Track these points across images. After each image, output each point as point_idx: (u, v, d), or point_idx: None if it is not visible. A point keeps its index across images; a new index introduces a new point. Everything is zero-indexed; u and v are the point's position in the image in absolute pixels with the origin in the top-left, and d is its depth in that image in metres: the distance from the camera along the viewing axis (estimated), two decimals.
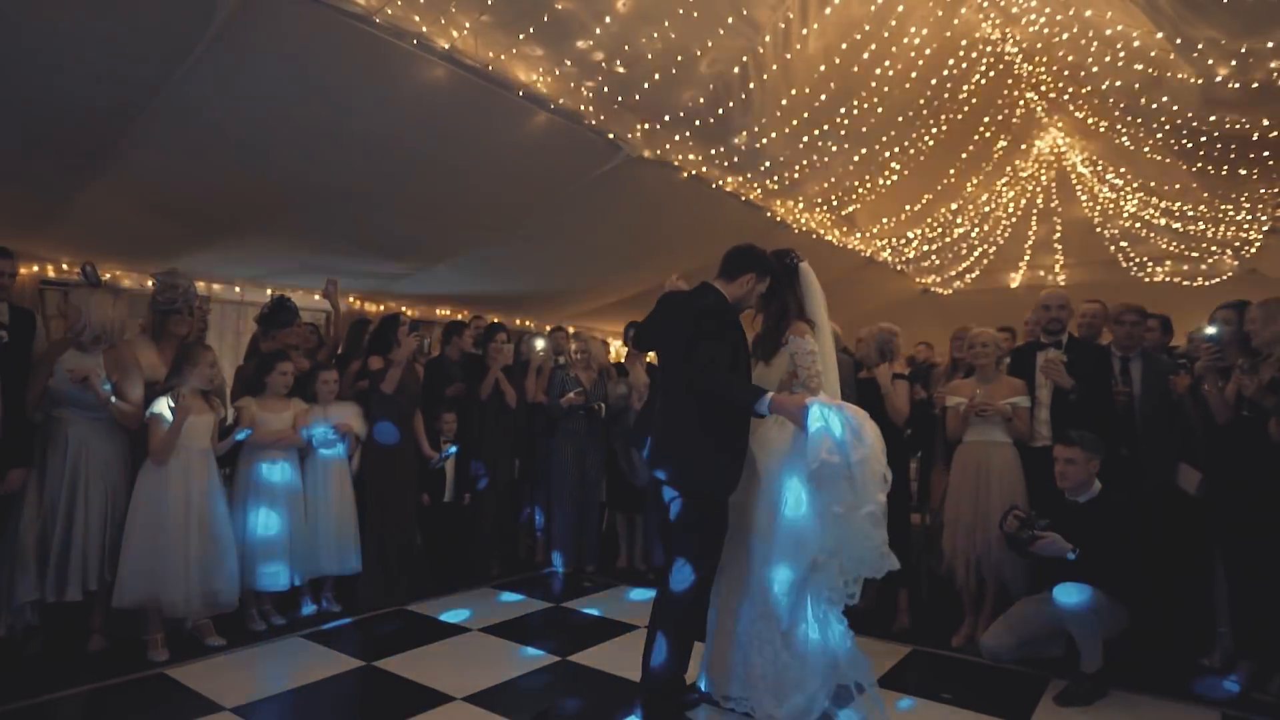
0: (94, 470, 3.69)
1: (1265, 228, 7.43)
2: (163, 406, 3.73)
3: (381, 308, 7.98)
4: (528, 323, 9.46)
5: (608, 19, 4.80)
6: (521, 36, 4.76)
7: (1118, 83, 5.53)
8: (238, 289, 7.02)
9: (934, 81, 6.54)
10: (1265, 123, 5.25)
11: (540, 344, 5.59)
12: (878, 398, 4.46)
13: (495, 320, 5.95)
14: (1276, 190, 6.38)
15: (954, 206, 8.50)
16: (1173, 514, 3.98)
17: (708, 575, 3.01)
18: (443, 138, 5.32)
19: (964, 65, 6.54)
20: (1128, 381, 4.21)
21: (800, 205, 7.64)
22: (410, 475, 4.88)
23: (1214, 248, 8.36)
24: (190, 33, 3.87)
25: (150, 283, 6.13)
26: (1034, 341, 4.47)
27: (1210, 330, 3.73)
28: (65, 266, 5.95)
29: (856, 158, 7.00)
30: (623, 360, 6.47)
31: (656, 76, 5.34)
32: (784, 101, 5.93)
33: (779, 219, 7.72)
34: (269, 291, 7.16)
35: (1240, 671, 3.67)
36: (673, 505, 3.00)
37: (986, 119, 7.31)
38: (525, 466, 5.57)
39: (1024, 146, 8.16)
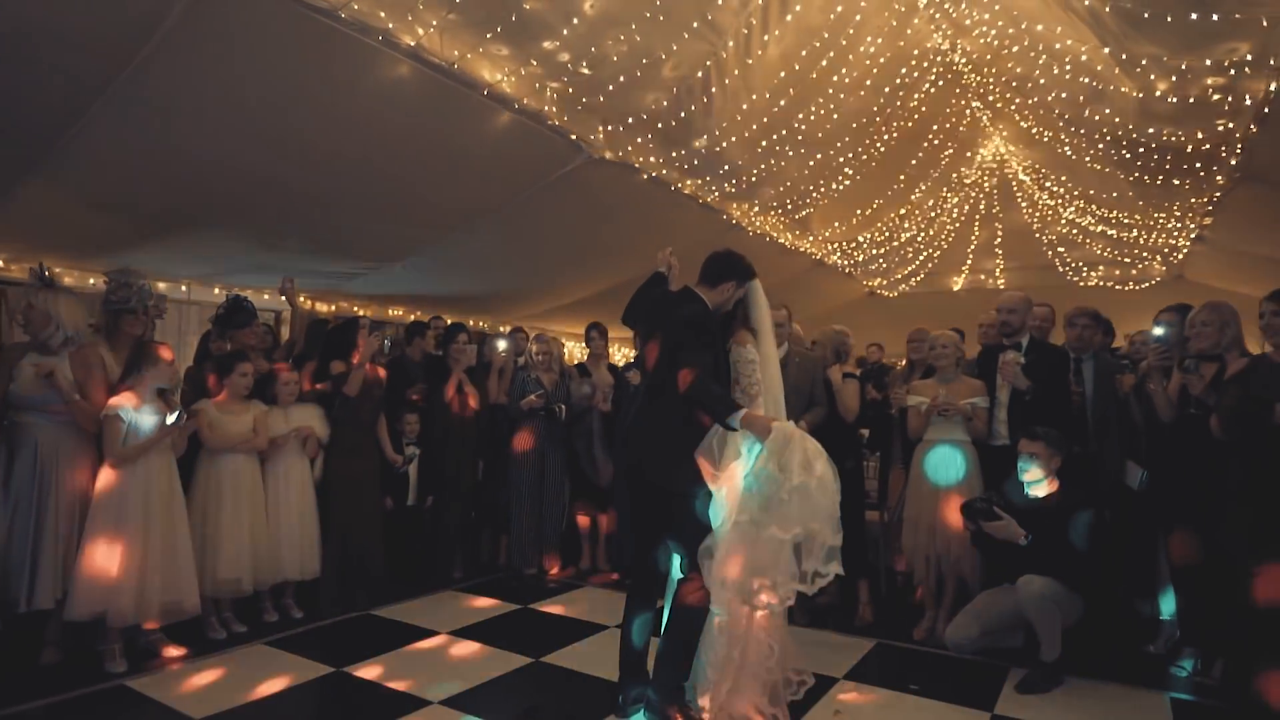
0: (63, 474, 3.55)
1: (1193, 235, 7.83)
2: (120, 408, 3.60)
3: (333, 307, 7.83)
4: (482, 323, 9.38)
5: (575, 20, 4.79)
6: (489, 35, 4.73)
7: (1063, 94, 5.76)
8: (184, 288, 6.80)
9: (887, 90, 6.71)
10: (1199, 135, 5.54)
11: (503, 345, 5.55)
12: (831, 396, 4.60)
13: (454, 321, 5.87)
14: (1205, 200, 6.73)
15: (902, 211, 8.74)
16: (1121, 509, 4.19)
17: None
18: (404, 136, 5.25)
19: (915, 74, 6.73)
20: (1080, 382, 4.39)
21: (756, 209, 7.75)
22: (374, 478, 4.79)
23: (1145, 254, 8.79)
24: (146, 24, 3.75)
25: (92, 280, 5.96)
26: (999, 344, 4.61)
27: (1158, 331, 3.92)
28: (1, 264, 5.68)
29: (812, 163, 7.14)
30: (580, 361, 6.47)
31: (621, 79, 5.36)
32: (745, 106, 6.02)
33: (735, 221, 7.83)
34: (216, 290, 6.98)
35: (1184, 657, 3.88)
36: (665, 507, 3.01)
37: (935, 127, 7.53)
38: (489, 468, 5.53)
39: (969, 154, 8.42)
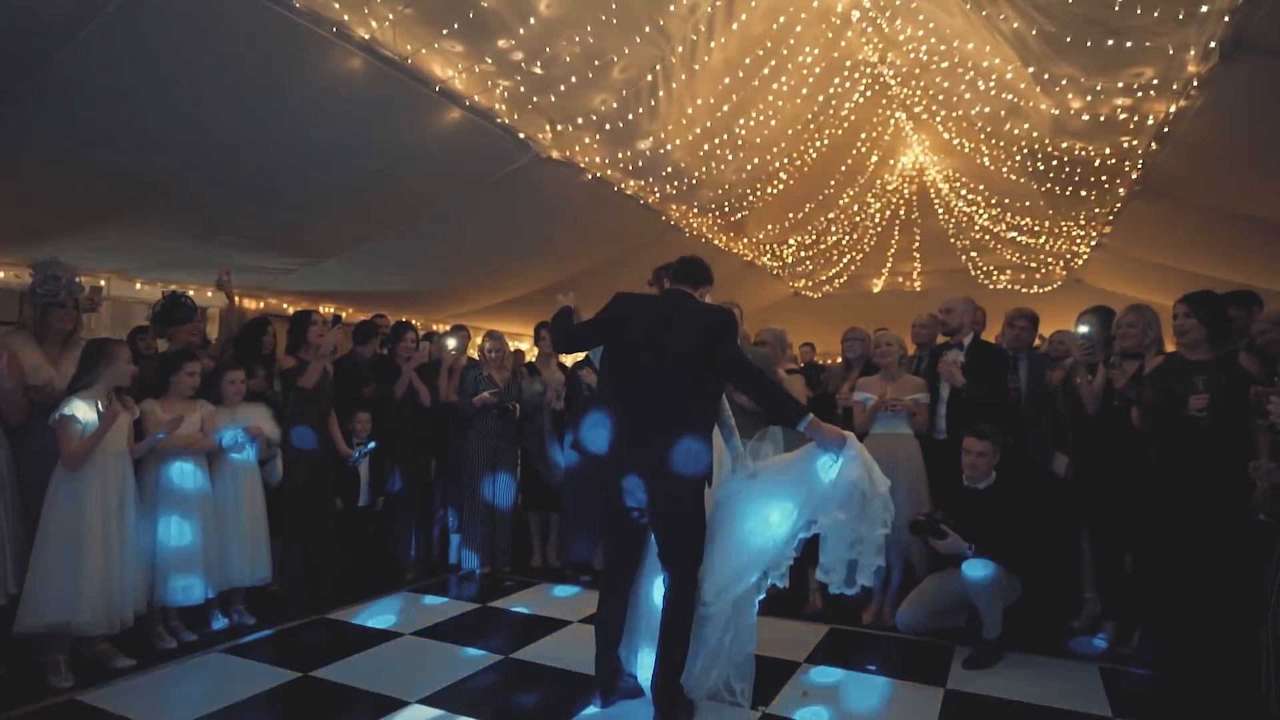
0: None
1: (1093, 243, 8.45)
2: (76, 408, 3.42)
3: (261, 304, 7.56)
4: (415, 320, 9.21)
5: (532, 20, 4.82)
6: (445, 32, 4.71)
7: (986, 109, 6.14)
8: (102, 282, 6.42)
9: (820, 98, 6.98)
10: (1106, 150, 6.02)
11: (453, 343, 5.52)
12: None
13: (400, 320, 5.78)
14: (1107, 210, 7.29)
15: (831, 216, 9.07)
16: (1049, 496, 4.52)
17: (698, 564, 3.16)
18: (351, 130, 5.17)
19: (847, 85, 7.03)
20: (1016, 379, 4.71)
21: (695, 210, 7.92)
22: (329, 478, 4.70)
23: (1050, 259, 9.41)
24: (88, 3, 3.58)
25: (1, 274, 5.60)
26: (944, 343, 4.88)
27: (1084, 330, 4.25)
28: None
29: (749, 166, 7.35)
30: (529, 360, 6.48)
31: (573, 79, 5.41)
32: (690, 110, 6.16)
33: (673, 222, 7.98)
34: (138, 285, 6.66)
35: (1105, 630, 4.23)
36: (661, 503, 3.09)
37: (863, 135, 7.87)
38: (440, 467, 5.48)
39: (891, 162, 8.82)
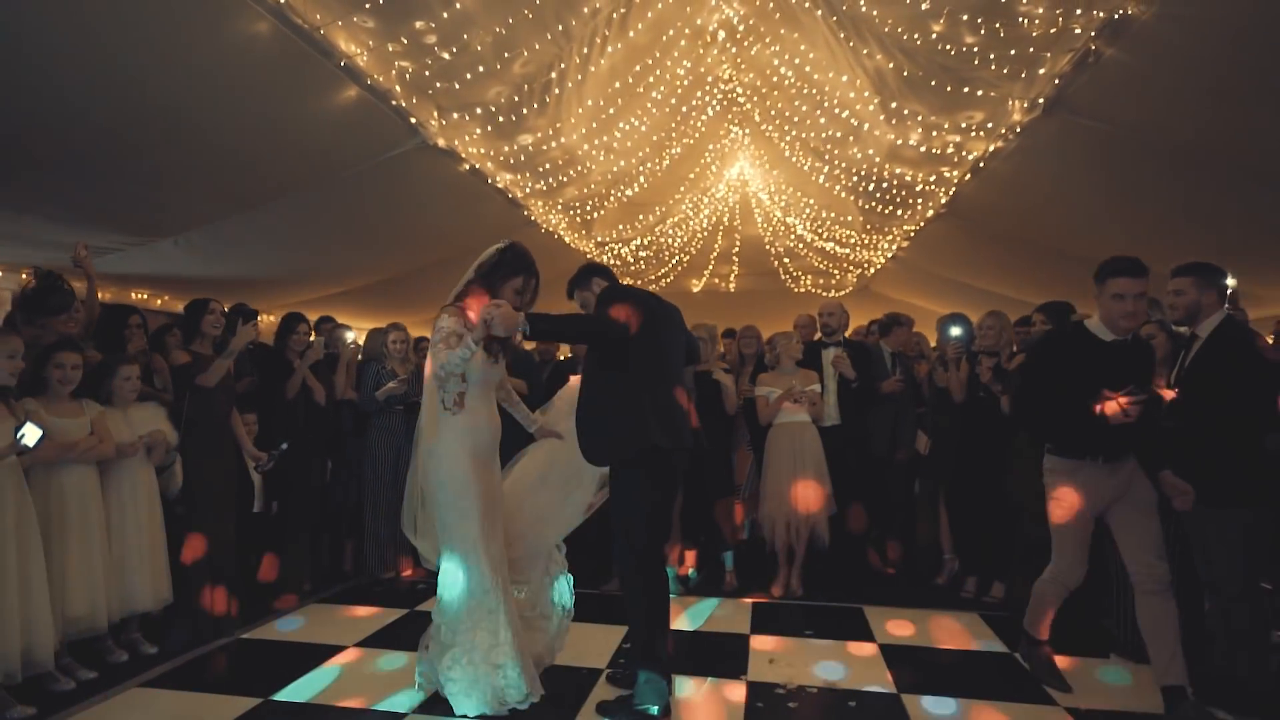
0: None
1: (889, 255, 9.70)
2: None
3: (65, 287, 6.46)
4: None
5: (458, 5, 4.69)
6: (368, 6, 4.44)
7: (837, 134, 6.88)
8: None
9: (684, 109, 7.38)
10: (932, 179, 7.01)
11: (350, 336, 5.19)
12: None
13: (290, 311, 5.31)
14: (913, 228, 8.44)
15: (674, 221, 9.55)
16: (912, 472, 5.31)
17: None
18: (235, 101, 4.70)
19: (706, 98, 7.50)
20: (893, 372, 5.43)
21: (560, 206, 8.00)
22: (234, 485, 4.25)
23: (850, 267, 10.62)
24: None
25: None
26: (819, 341, 5.46)
27: (957, 331, 5.01)
28: None
29: (614, 170, 7.58)
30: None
31: (480, 69, 5.31)
32: (580, 110, 6.26)
33: (532, 218, 8.00)
34: None
35: (967, 585, 5.03)
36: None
37: (710, 146, 8.41)
38: (337, 468, 5.12)
39: (726, 173, 9.48)
